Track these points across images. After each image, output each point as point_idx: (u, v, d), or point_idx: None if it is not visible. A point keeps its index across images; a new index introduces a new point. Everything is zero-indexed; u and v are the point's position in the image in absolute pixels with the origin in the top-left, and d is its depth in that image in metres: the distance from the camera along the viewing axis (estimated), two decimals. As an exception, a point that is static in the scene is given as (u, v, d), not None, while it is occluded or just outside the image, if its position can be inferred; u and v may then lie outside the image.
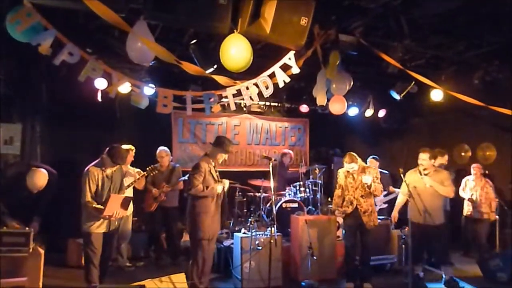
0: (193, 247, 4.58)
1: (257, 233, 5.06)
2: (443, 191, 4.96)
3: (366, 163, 5.88)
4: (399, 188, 5.72)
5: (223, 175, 4.84)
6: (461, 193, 6.55)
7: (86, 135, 6.72)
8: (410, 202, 4.93)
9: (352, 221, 5.11)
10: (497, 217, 6.21)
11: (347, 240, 5.25)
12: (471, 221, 6.51)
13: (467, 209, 6.55)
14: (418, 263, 5.13)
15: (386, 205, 6.59)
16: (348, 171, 5.17)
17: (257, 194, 6.81)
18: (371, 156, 6.90)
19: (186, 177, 6.12)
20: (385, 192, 6.38)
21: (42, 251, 3.58)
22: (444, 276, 5.19)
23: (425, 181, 4.95)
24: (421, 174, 5.01)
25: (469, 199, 6.42)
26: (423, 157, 5.03)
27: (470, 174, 6.57)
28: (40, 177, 4.49)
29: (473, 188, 6.43)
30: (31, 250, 3.73)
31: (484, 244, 6.49)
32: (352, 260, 5.22)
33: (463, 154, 7.69)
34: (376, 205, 5.65)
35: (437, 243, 5.07)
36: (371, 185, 4.98)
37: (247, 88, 4.21)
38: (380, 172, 6.65)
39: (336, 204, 5.35)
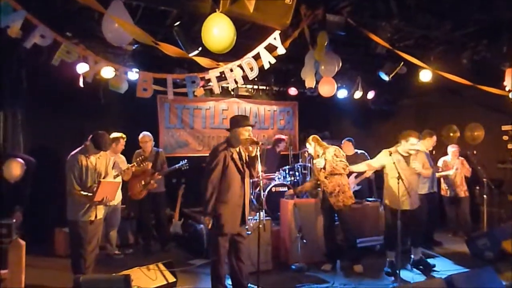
0: (211, 245, 4.11)
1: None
2: (426, 174, 5.08)
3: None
4: None
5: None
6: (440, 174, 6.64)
7: (70, 122, 6.56)
8: (389, 186, 4.90)
9: (324, 203, 5.23)
10: (485, 196, 6.27)
11: (323, 222, 5.34)
12: (452, 201, 6.63)
13: (444, 189, 6.66)
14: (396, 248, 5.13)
15: (359, 186, 6.57)
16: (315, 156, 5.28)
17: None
18: (345, 139, 6.92)
19: (183, 162, 6.05)
20: (355, 174, 6.35)
21: (23, 243, 3.49)
22: (412, 257, 5.18)
23: (416, 167, 4.84)
24: (404, 158, 4.90)
25: (445, 179, 6.58)
26: (414, 142, 4.88)
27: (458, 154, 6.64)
28: (16, 167, 4.37)
29: (451, 169, 6.52)
30: (12, 241, 3.64)
31: (469, 222, 6.60)
32: (329, 241, 5.27)
33: (451, 134, 7.68)
34: None
35: (414, 226, 5.05)
36: (325, 166, 5.06)
37: (231, 70, 4.09)
38: (357, 152, 6.70)
39: (302, 187, 5.66)
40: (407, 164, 4.89)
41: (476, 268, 4.56)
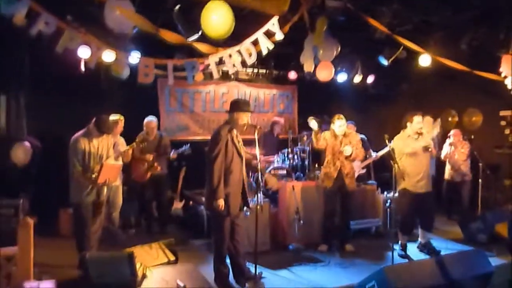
0: (212, 227, 4.28)
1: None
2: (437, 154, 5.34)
3: None
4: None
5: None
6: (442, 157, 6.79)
7: (72, 106, 6.60)
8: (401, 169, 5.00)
9: (334, 184, 5.27)
10: (480, 180, 6.38)
11: (327, 204, 5.40)
12: (453, 184, 6.73)
13: (448, 173, 6.76)
14: (409, 232, 5.26)
15: (364, 170, 6.66)
16: (334, 133, 5.33)
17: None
18: (348, 122, 6.94)
19: (185, 147, 6.17)
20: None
21: (31, 222, 3.64)
22: (420, 240, 5.33)
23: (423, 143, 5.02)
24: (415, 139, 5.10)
25: (448, 161, 6.69)
26: (420, 120, 5.06)
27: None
28: (24, 152, 4.48)
29: (452, 152, 6.65)
30: (20, 220, 3.78)
31: (466, 207, 6.72)
32: (331, 224, 5.39)
33: (450, 119, 7.77)
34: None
35: (426, 209, 5.17)
36: (351, 154, 5.17)
37: (230, 56, 4.16)
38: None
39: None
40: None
41: (467, 249, 4.72)
